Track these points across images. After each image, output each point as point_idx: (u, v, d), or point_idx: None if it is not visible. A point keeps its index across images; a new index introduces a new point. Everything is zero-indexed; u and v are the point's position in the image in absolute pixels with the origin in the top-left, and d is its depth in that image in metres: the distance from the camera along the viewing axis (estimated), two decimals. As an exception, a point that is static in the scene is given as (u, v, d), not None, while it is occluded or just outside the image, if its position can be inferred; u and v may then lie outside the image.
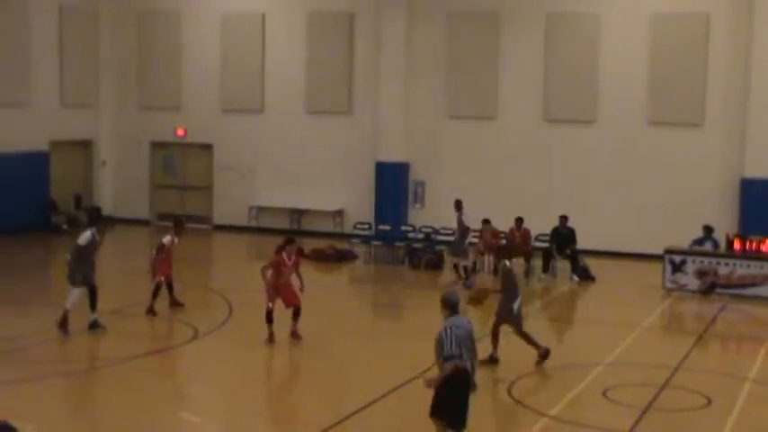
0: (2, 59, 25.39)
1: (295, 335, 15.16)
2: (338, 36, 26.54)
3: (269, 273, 15.04)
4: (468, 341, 9.28)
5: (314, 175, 26.84)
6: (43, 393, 12.77)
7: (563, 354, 14.89)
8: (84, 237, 15.47)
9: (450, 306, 9.44)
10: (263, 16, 27.29)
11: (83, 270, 15.37)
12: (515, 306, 14.05)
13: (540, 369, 14.00)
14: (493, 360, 13.91)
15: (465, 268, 21.13)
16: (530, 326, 18.02)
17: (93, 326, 15.43)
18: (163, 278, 17.00)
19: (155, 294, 16.84)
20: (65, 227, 26.51)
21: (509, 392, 12.80)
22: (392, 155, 25.80)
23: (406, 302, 20.22)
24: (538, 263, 21.98)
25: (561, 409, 12.12)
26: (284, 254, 15.19)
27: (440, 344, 9.15)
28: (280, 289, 15.11)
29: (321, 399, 12.52)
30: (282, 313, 15.14)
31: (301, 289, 15.27)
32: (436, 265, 22.73)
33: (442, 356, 9.07)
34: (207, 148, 28.22)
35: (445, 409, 9.17)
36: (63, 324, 15.14)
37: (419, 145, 25.84)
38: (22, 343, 14.70)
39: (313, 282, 20.67)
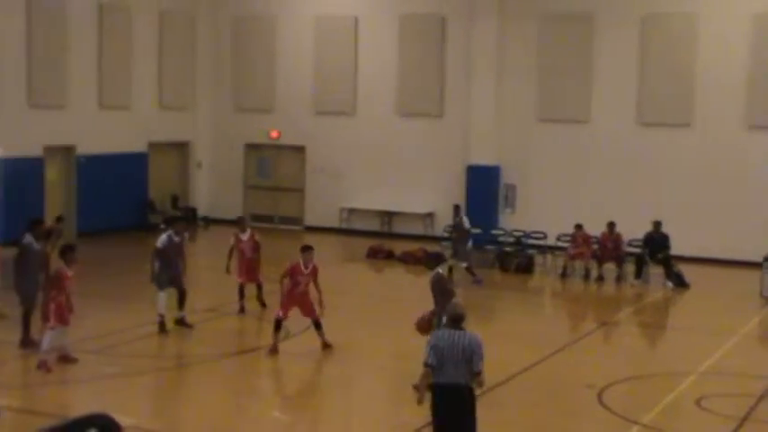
0: (105, 64, 26.12)
1: (325, 345, 14.62)
2: (430, 38, 26.61)
3: (286, 281, 14.44)
4: (458, 354, 8.77)
5: (405, 177, 26.94)
6: (141, 388, 13.13)
7: (655, 361, 14.70)
8: (161, 239, 15.56)
9: (450, 318, 9.11)
10: (356, 19, 27.51)
11: (167, 272, 15.50)
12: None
13: (627, 376, 13.79)
14: None
15: (468, 269, 20.99)
16: (621, 331, 17.87)
17: (180, 323, 15.66)
18: (240, 279, 17.04)
19: (241, 296, 17.02)
20: (162, 226, 27.02)
21: (599, 399, 12.68)
22: (483, 158, 25.76)
23: (497, 306, 20.17)
24: (630, 268, 21.70)
25: (653, 418, 11.95)
26: (300, 261, 14.48)
27: None
28: (296, 299, 14.49)
29: (410, 401, 12.57)
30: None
31: (320, 302, 14.37)
32: (527, 268, 22.63)
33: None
34: (300, 149, 28.57)
35: (433, 423, 9.05)
36: (162, 329, 15.41)
37: (510, 148, 25.73)
38: (121, 338, 15.10)
39: (403, 284, 20.86)
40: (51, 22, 24.53)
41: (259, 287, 17.27)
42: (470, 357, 8.80)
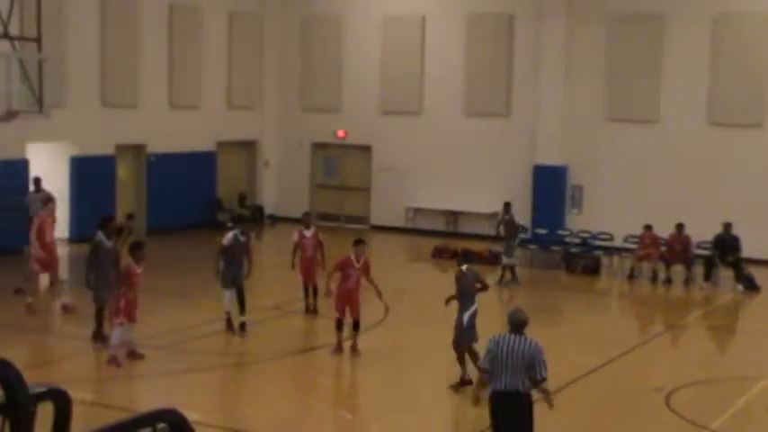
0: (176, 64, 26.51)
1: (354, 349, 14.34)
2: (497, 38, 26.52)
3: (336, 275, 14.25)
4: (517, 361, 8.61)
5: (471, 177, 26.88)
6: (207, 384, 13.31)
7: (725, 365, 14.48)
8: (227, 237, 15.61)
9: (512, 324, 8.87)
10: (423, 18, 27.53)
11: (232, 271, 15.53)
12: (465, 317, 12.69)
13: (696, 380, 13.60)
14: (465, 382, 12.64)
15: (512, 268, 20.82)
16: (689, 334, 17.64)
17: (242, 327, 15.61)
18: (301, 277, 17.01)
19: (306, 293, 17.12)
20: (229, 224, 27.34)
21: (667, 403, 12.53)
22: (550, 158, 25.60)
23: (563, 307, 20.04)
24: (699, 271, 21.39)
25: (723, 423, 11.78)
26: (352, 255, 14.26)
27: None
28: (345, 296, 14.30)
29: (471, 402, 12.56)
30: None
31: (378, 292, 14.26)
32: (593, 269, 22.44)
33: None
34: (366, 149, 28.68)
35: (491, 428, 8.97)
36: (229, 326, 15.54)
37: (577, 148, 25.52)
38: (188, 335, 15.33)
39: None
40: (124, 22, 24.97)
41: (314, 290, 16.97)
42: (530, 364, 8.63)
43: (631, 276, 21.82)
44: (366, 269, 14.36)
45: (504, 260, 20.94)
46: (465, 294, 12.79)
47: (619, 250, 23.09)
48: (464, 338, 12.68)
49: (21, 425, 2.80)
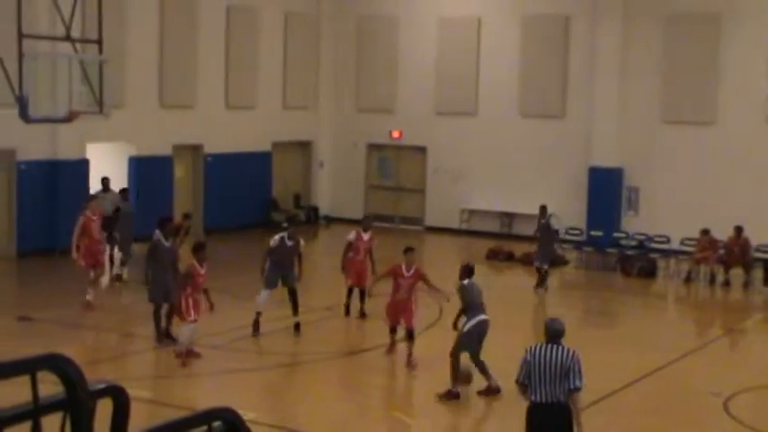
0: (232, 65, 26.76)
1: (410, 362, 13.84)
2: (553, 39, 26.36)
3: (377, 279, 13.97)
4: (555, 371, 8.35)
5: (526, 178, 26.74)
6: (261, 383, 13.42)
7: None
8: (274, 239, 15.62)
9: (549, 334, 8.62)
10: (479, 20, 27.46)
11: (279, 272, 15.47)
12: (469, 324, 12.39)
13: (755, 385, 13.40)
14: (492, 390, 12.45)
15: (545, 274, 20.02)
16: (748, 339, 17.38)
17: (297, 328, 15.66)
18: (350, 281, 16.82)
19: (349, 295, 16.92)
20: (284, 224, 27.53)
21: (725, 408, 12.36)
22: (605, 160, 25.37)
23: (618, 310, 19.86)
24: (758, 274, 21.06)
25: (781, 429, 11.60)
26: (402, 264, 13.96)
27: None
28: (396, 306, 13.98)
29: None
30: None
31: (444, 299, 13.88)
32: (649, 272, 22.21)
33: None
34: (421, 150, 28.68)
35: None
36: (255, 327, 15.39)
37: (633, 150, 25.25)
38: (243, 334, 15.45)
39: (522, 286, 20.71)
40: (182, 24, 25.26)
41: (362, 294, 16.69)
42: (567, 373, 8.36)
43: (688, 279, 21.56)
44: (419, 277, 14.06)
45: (536, 264, 20.12)
46: (469, 307, 12.53)
47: (675, 253, 22.83)
48: (462, 344, 12.38)
49: (81, 421, 2.85)
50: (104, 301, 17.58)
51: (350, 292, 17.01)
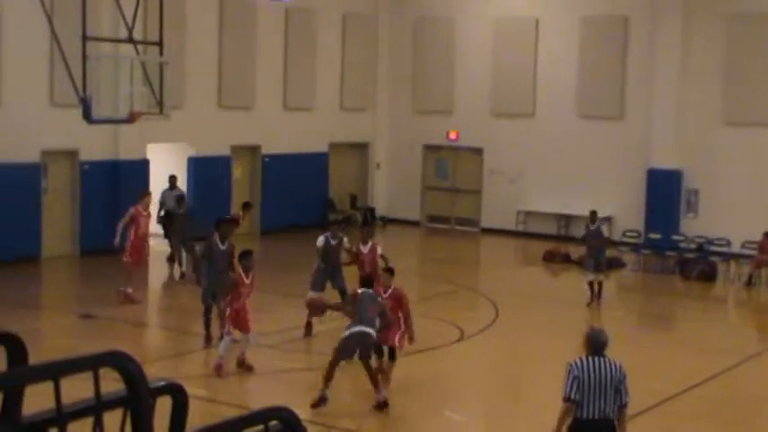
0: (291, 67, 26.95)
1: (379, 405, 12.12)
2: (612, 39, 26.12)
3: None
4: (607, 385, 7.86)
5: (583, 180, 26.53)
6: (317, 383, 13.49)
7: None
8: (319, 240, 15.61)
9: (593, 346, 8.05)
10: (537, 20, 27.32)
11: (328, 273, 15.45)
12: (348, 332, 11.86)
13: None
14: (381, 405, 11.94)
15: (599, 285, 18.59)
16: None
17: None
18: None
19: None
20: (339, 223, 27.73)
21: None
22: (665, 161, 25.08)
23: (677, 314, 19.64)
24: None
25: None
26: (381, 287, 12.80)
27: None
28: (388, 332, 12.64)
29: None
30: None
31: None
32: (709, 276, 21.91)
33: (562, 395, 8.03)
34: (477, 151, 28.61)
35: None
36: (307, 329, 15.36)
37: (693, 151, 24.92)
38: (298, 334, 15.54)
39: (579, 288, 20.55)
40: (241, 26, 25.50)
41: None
42: (618, 387, 7.90)
43: (749, 283, 21.23)
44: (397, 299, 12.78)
45: (591, 276, 18.67)
46: (353, 314, 12.09)
47: (736, 256, 22.49)
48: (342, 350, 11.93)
49: (142, 418, 2.92)
50: (142, 296, 17.83)
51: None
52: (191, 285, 17.77)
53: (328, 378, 11.75)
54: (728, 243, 22.96)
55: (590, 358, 7.93)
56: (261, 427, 3.09)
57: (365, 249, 15.53)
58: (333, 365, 11.79)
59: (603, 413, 7.86)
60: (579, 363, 7.92)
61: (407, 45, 29.53)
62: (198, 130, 24.30)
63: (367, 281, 12.58)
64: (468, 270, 23.46)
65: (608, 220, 26.21)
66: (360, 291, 12.25)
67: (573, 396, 7.81)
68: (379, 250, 15.51)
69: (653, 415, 12.03)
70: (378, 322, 12.05)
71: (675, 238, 23.99)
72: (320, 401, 11.69)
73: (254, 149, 26.45)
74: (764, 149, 24.07)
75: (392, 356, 12.69)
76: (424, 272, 22.81)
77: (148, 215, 18.05)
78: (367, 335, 11.81)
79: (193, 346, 15.22)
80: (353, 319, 11.99)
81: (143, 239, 17.76)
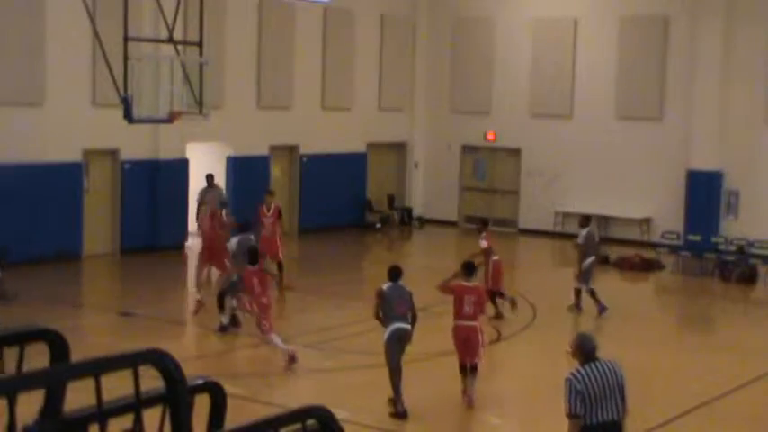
0: (330, 67, 27.02)
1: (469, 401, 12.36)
2: (651, 40, 25.92)
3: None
4: (612, 387, 7.67)
5: (621, 181, 26.36)
6: (353, 382, 13.53)
7: None
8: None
9: (587, 354, 7.77)
10: (576, 21, 27.17)
11: None
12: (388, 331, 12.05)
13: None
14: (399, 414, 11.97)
15: (592, 292, 17.87)
16: None
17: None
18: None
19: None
20: (378, 225, 27.83)
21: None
22: (704, 163, 24.84)
23: (716, 316, 19.45)
24: None
25: None
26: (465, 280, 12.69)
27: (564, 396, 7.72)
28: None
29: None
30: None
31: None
32: (749, 278, 21.68)
33: (565, 412, 7.72)
34: (515, 152, 28.51)
35: None
36: None
37: (734, 153, 24.65)
38: (336, 334, 15.61)
39: (617, 290, 20.44)
40: (280, 26, 25.62)
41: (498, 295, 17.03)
42: (621, 389, 7.71)
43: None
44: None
45: (576, 284, 18.07)
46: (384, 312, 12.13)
47: (777, 259, 22.24)
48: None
49: (181, 415, 2.96)
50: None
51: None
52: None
53: (396, 389, 11.83)
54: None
55: (587, 367, 7.69)
56: (298, 425, 3.12)
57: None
58: (393, 374, 11.93)
59: (612, 416, 7.68)
60: (579, 375, 7.66)
61: (445, 45, 29.49)
62: (237, 130, 24.44)
63: (394, 273, 12.32)
64: (506, 271, 23.35)
65: (647, 221, 26.06)
66: (384, 287, 12.19)
67: (577, 411, 7.60)
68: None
69: (694, 417, 11.95)
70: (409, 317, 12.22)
71: (715, 240, 23.75)
72: (399, 416, 11.85)
73: (292, 149, 26.56)
74: (807, 151, 23.77)
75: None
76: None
77: (209, 215, 18.12)
78: (405, 330, 12.06)
79: (231, 344, 15.32)
80: (387, 317, 12.09)
81: (209, 240, 17.63)
